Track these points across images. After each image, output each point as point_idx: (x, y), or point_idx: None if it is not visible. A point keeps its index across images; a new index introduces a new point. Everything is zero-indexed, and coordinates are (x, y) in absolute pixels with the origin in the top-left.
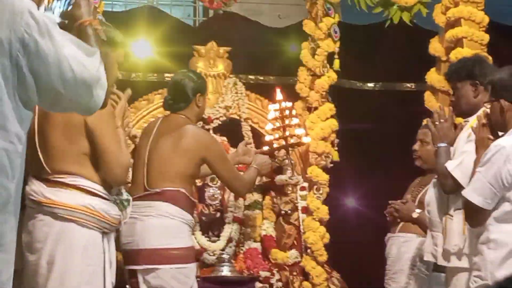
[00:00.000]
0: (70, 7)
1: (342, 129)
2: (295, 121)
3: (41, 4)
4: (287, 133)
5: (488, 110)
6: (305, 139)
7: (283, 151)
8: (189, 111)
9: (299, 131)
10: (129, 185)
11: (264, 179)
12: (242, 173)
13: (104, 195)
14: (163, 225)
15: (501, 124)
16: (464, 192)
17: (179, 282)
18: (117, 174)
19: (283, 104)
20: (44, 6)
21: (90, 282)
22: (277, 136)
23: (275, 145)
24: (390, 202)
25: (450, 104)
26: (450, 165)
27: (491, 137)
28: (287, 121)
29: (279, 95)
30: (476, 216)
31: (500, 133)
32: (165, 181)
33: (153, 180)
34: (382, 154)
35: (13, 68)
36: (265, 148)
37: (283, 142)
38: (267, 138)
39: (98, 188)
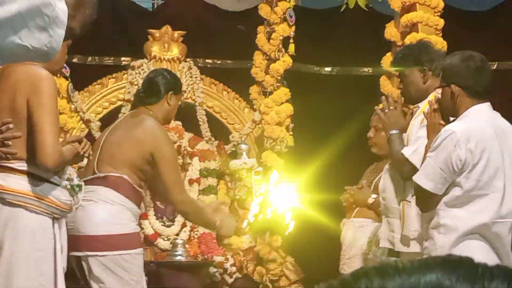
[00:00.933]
0: None
1: (299, 114)
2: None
3: None
4: None
5: (439, 96)
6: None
7: None
8: (158, 107)
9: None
10: (82, 169)
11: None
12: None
13: (54, 181)
14: (103, 210)
15: (452, 109)
16: (415, 177)
17: (124, 269)
18: (50, 156)
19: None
20: None
21: (39, 267)
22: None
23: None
24: (345, 187)
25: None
26: (407, 152)
27: (442, 122)
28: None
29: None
30: (426, 201)
31: (451, 118)
32: (111, 166)
33: (101, 164)
34: (339, 139)
35: None
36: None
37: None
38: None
39: (47, 173)
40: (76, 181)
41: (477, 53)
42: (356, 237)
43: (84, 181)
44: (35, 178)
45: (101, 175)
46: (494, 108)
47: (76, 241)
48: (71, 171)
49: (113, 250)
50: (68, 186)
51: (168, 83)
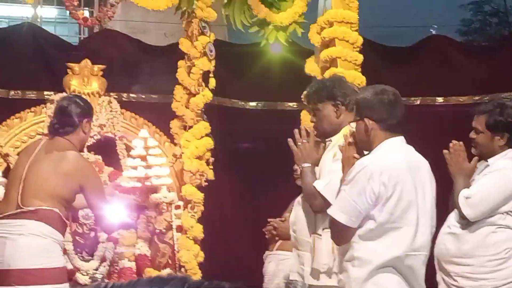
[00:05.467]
0: None
1: (223, 148)
2: (159, 160)
3: None
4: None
5: (354, 129)
6: (165, 180)
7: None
8: (75, 136)
9: (162, 170)
10: None
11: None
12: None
13: None
14: (35, 244)
15: (366, 143)
16: (329, 210)
17: None
18: None
19: (149, 143)
20: None
21: None
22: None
23: (131, 184)
24: (269, 220)
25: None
26: (319, 185)
27: (357, 156)
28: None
29: (143, 132)
30: (341, 234)
31: (366, 152)
32: (40, 200)
33: (27, 198)
34: (264, 172)
35: None
36: (123, 183)
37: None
38: (126, 174)
39: None
40: None
41: (389, 87)
42: (278, 269)
43: (7, 215)
44: None
45: (30, 208)
46: (417, 143)
47: (4, 275)
48: None
49: (43, 284)
50: None
51: (82, 111)
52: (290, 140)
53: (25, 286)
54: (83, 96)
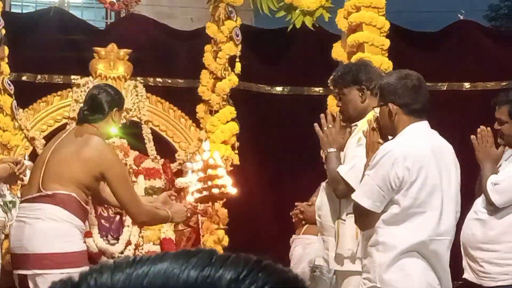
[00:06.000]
0: None
1: (249, 133)
2: (220, 171)
3: None
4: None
5: (378, 114)
6: (231, 190)
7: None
8: (103, 125)
9: (225, 180)
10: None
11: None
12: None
13: None
14: (52, 228)
15: (390, 128)
16: (353, 195)
17: None
18: None
19: (207, 155)
20: None
21: None
22: (201, 187)
23: (197, 195)
24: (296, 204)
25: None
26: (342, 170)
27: (381, 141)
28: (211, 171)
29: (206, 145)
30: (365, 219)
31: (390, 137)
32: (58, 184)
33: (47, 182)
34: (290, 157)
35: None
36: (189, 198)
37: (206, 192)
38: (192, 189)
39: None
40: (9, 198)
41: (413, 72)
42: (305, 253)
43: (28, 198)
44: None
45: (48, 192)
46: (444, 128)
47: (23, 259)
48: (3, 188)
49: (61, 268)
50: (1, 203)
51: (113, 100)
52: (316, 125)
53: (43, 270)
54: (110, 82)
